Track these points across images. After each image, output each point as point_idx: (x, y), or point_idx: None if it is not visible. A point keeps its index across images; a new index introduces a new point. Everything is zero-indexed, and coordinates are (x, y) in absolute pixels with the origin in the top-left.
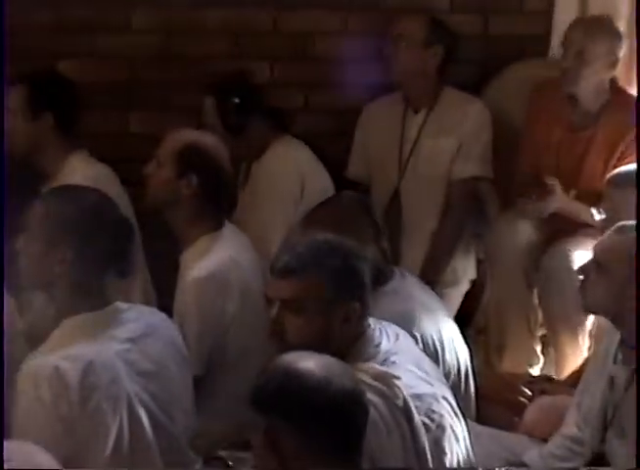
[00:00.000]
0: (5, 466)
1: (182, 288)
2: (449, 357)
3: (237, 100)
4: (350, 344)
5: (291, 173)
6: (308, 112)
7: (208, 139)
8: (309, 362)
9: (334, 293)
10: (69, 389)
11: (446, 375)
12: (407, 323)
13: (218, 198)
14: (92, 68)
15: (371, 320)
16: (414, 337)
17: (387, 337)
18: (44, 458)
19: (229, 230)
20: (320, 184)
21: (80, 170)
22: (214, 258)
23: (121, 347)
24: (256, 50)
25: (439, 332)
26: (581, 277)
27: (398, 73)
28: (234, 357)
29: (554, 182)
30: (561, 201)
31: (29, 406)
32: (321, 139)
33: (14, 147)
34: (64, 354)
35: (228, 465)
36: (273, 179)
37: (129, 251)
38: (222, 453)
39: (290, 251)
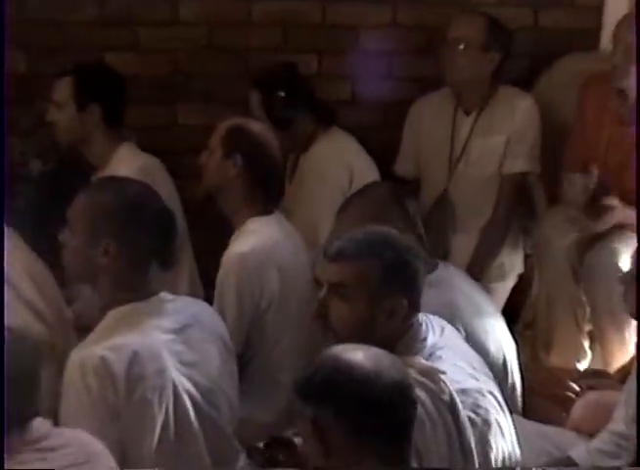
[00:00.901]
0: (62, 452)
1: (223, 262)
2: (494, 350)
3: (283, 94)
4: (396, 339)
5: (338, 165)
6: (355, 104)
7: (255, 124)
8: (358, 354)
9: (381, 284)
10: (116, 379)
11: (491, 368)
12: (451, 315)
13: (265, 182)
14: (137, 60)
15: (419, 314)
16: (457, 329)
17: (432, 331)
18: (100, 447)
19: (277, 216)
20: (368, 176)
21: (127, 162)
22: (257, 237)
23: (166, 337)
24: (304, 42)
25: (484, 324)
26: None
27: (453, 78)
28: (273, 342)
29: (612, 202)
30: (618, 215)
31: (76, 396)
32: (367, 132)
33: (61, 139)
34: (110, 345)
35: (271, 457)
36: (321, 171)
37: (172, 242)
38: (260, 445)
39: (345, 236)
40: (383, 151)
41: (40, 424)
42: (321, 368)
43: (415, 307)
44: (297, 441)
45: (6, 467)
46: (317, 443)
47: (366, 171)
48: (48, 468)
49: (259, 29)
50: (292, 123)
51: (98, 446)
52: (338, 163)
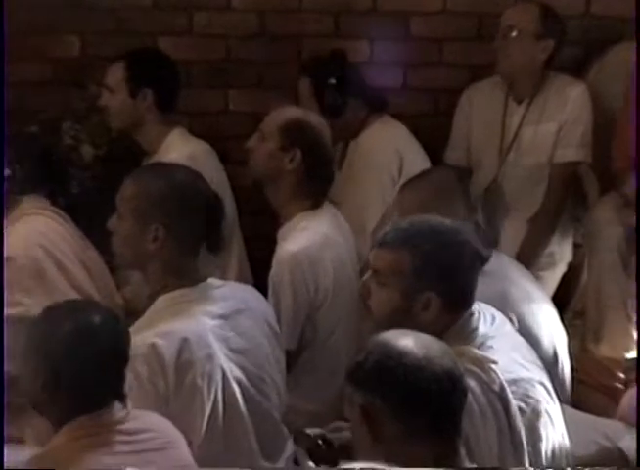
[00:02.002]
0: (141, 436)
1: (277, 261)
2: (545, 340)
3: (333, 81)
4: (442, 328)
5: (388, 152)
6: (406, 92)
7: (313, 116)
8: (409, 340)
9: (415, 276)
10: (165, 366)
11: (542, 358)
12: (503, 304)
13: (319, 175)
14: (190, 46)
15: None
16: (509, 318)
17: (484, 320)
18: (176, 434)
19: (326, 208)
20: (417, 163)
21: (178, 147)
22: (309, 234)
23: (215, 323)
24: (355, 29)
25: (536, 314)
26: None
27: (505, 66)
28: (326, 334)
29: None
30: None
31: (127, 382)
32: (418, 119)
33: (113, 123)
34: (159, 331)
35: (317, 444)
36: (370, 158)
37: (220, 227)
38: (310, 431)
39: (395, 224)
40: (433, 138)
41: (119, 407)
42: (371, 354)
43: (455, 304)
44: (333, 436)
45: (86, 447)
46: (366, 429)
47: (416, 159)
48: (130, 450)
49: (311, 16)
50: (342, 111)
51: (175, 432)
52: (388, 150)
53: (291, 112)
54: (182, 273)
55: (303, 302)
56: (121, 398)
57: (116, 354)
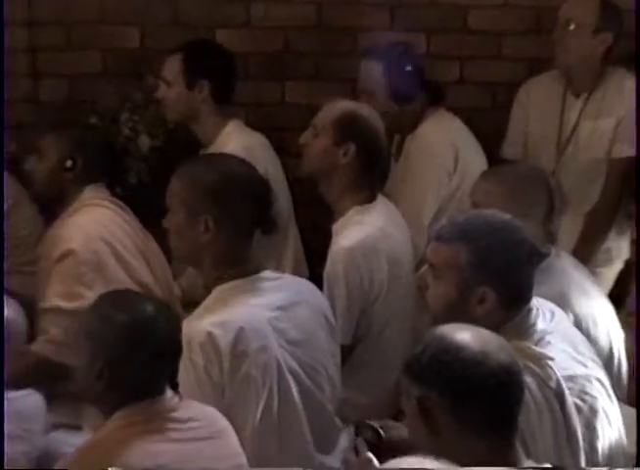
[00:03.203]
0: (190, 425)
1: (332, 256)
2: (602, 337)
3: (410, 68)
4: (499, 324)
5: (444, 146)
6: (463, 85)
7: (366, 109)
8: (467, 334)
9: (470, 271)
10: (221, 355)
11: (599, 355)
12: (561, 301)
13: (373, 169)
14: (248, 38)
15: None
16: (568, 315)
17: (543, 316)
18: (225, 424)
19: (381, 202)
20: (473, 158)
21: (234, 139)
22: (364, 228)
23: (271, 314)
24: (412, 22)
25: (593, 311)
26: None
27: (563, 59)
28: (380, 328)
29: None
30: None
31: (183, 371)
32: (475, 113)
33: (170, 115)
34: (216, 321)
35: (379, 434)
36: (427, 152)
37: (270, 210)
38: (372, 422)
39: (452, 218)
40: (490, 132)
41: (171, 395)
42: (429, 348)
43: (511, 296)
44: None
45: (137, 434)
46: (422, 422)
47: (471, 153)
48: (179, 438)
49: (368, 8)
50: (413, 100)
51: (224, 421)
52: (444, 144)
53: (344, 105)
54: (236, 264)
55: (358, 296)
56: (173, 386)
57: (169, 344)
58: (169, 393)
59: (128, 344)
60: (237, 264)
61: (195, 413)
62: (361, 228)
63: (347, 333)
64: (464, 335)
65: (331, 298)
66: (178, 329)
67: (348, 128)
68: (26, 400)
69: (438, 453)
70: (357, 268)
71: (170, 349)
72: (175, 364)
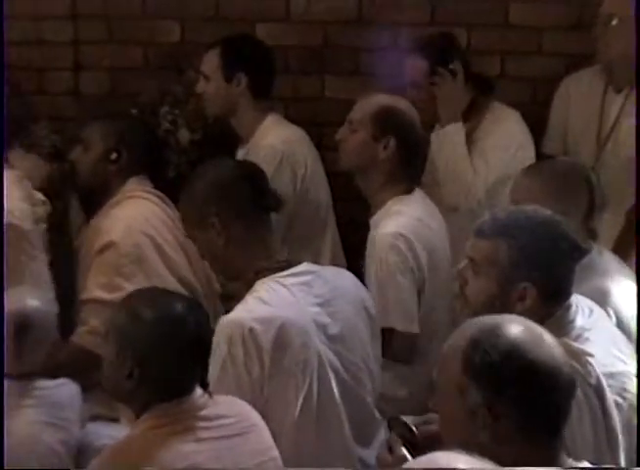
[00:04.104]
0: (219, 422)
1: (371, 247)
2: None
3: (452, 66)
4: (538, 320)
5: (525, 138)
6: (503, 80)
7: (402, 103)
8: (538, 338)
9: (511, 267)
10: (262, 351)
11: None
12: (601, 298)
13: (412, 161)
14: (288, 32)
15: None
16: (607, 312)
17: (582, 313)
18: (257, 419)
19: (419, 195)
20: (530, 152)
21: (273, 133)
22: (402, 218)
23: (313, 309)
24: (452, 16)
25: (633, 308)
26: None
27: (604, 55)
28: (420, 320)
29: None
30: None
31: (223, 361)
32: (515, 108)
33: (209, 109)
34: (258, 317)
35: (411, 430)
36: (486, 146)
37: (265, 190)
38: (405, 418)
39: (492, 214)
40: (530, 128)
41: (200, 393)
42: (501, 351)
43: (552, 292)
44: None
45: (167, 434)
46: (483, 430)
47: (529, 147)
48: (209, 436)
49: (409, 3)
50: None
51: (255, 418)
52: (522, 136)
53: (380, 99)
54: (265, 256)
55: (411, 279)
56: (203, 384)
57: (199, 342)
58: (199, 391)
59: (158, 342)
60: (266, 257)
61: (224, 410)
62: (399, 216)
63: (411, 319)
64: (537, 340)
65: (373, 286)
66: (208, 327)
67: (387, 122)
68: (61, 390)
69: (488, 459)
70: (403, 253)
71: (200, 347)
72: (205, 362)
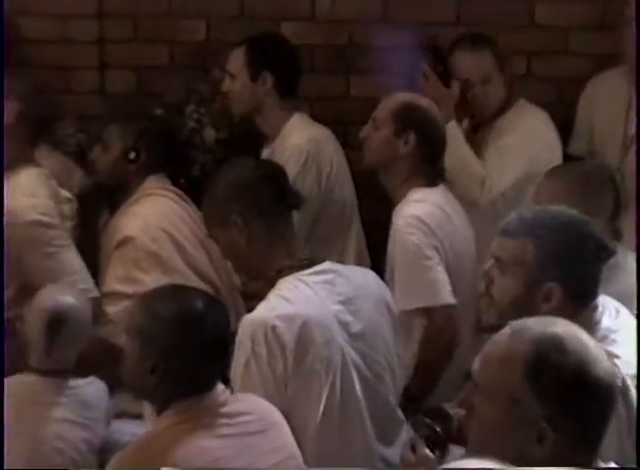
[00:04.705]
0: (239, 419)
1: (392, 238)
2: None
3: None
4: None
5: (553, 137)
6: (529, 80)
7: (424, 100)
8: (594, 352)
9: (537, 267)
10: (285, 349)
11: None
12: (628, 300)
13: (433, 157)
14: (313, 31)
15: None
16: (634, 314)
17: (608, 314)
18: (278, 417)
19: (441, 189)
20: (558, 153)
21: (299, 132)
22: (422, 204)
23: (336, 307)
24: (478, 17)
25: None
26: None
27: (631, 55)
28: None
29: None
30: None
31: (246, 360)
32: (542, 107)
33: (235, 108)
34: (281, 315)
35: (435, 430)
36: (514, 143)
37: (287, 188)
38: (426, 418)
39: (518, 213)
40: (555, 128)
41: (222, 389)
42: (561, 361)
43: (578, 293)
44: (454, 413)
45: (188, 431)
46: (534, 441)
47: (556, 147)
48: (230, 433)
49: (434, 2)
50: None
51: (276, 415)
52: (526, 135)
53: (402, 97)
54: (289, 256)
55: (436, 256)
56: (224, 381)
57: (220, 338)
58: (220, 387)
59: (180, 338)
60: (288, 254)
61: (245, 407)
62: (419, 203)
63: (448, 290)
64: (595, 355)
65: (410, 270)
66: (228, 323)
67: (408, 118)
68: (89, 389)
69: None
70: (424, 233)
71: (221, 343)
72: (226, 358)
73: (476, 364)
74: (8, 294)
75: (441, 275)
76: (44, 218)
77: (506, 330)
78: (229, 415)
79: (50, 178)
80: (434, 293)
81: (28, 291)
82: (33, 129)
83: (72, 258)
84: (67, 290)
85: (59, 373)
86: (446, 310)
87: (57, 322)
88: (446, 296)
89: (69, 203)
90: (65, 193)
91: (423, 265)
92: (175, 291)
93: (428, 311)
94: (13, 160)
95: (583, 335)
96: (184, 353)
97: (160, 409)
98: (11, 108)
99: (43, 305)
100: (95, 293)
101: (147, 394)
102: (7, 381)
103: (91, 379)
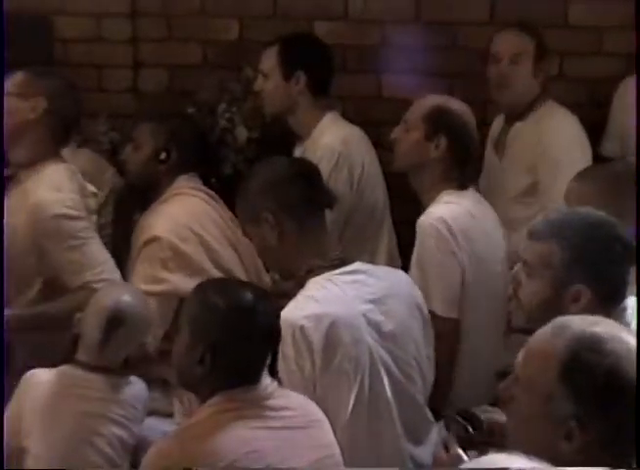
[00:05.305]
0: (282, 413)
1: (419, 229)
2: None
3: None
4: None
5: (568, 139)
6: (562, 80)
7: (456, 103)
8: (614, 340)
9: (564, 269)
10: (313, 349)
11: None
12: None
13: (464, 162)
14: (346, 30)
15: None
16: None
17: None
18: (320, 415)
19: (471, 193)
20: (588, 153)
21: (331, 131)
22: (448, 206)
23: (365, 307)
24: (511, 16)
25: None
26: None
27: None
28: (466, 314)
29: None
30: None
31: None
32: (574, 109)
33: (267, 107)
34: (308, 314)
35: (467, 429)
36: (567, 142)
37: (320, 185)
38: (458, 418)
39: (545, 215)
40: (588, 129)
41: (268, 382)
42: (597, 361)
43: (606, 295)
44: (485, 416)
45: (232, 420)
46: (564, 440)
47: (586, 149)
48: (273, 426)
49: (468, 3)
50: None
51: (319, 412)
52: (566, 136)
53: (433, 100)
54: (320, 255)
55: (452, 262)
56: (272, 373)
57: (268, 331)
58: (267, 380)
59: (229, 329)
60: (319, 253)
61: (290, 402)
62: (446, 205)
63: (451, 304)
64: (631, 356)
65: (422, 271)
66: (277, 317)
67: (439, 121)
68: (130, 388)
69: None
70: (444, 235)
71: (269, 335)
72: (274, 351)
73: (519, 357)
74: (33, 289)
75: (451, 285)
76: (70, 212)
77: (549, 326)
78: (273, 408)
79: (76, 173)
80: (437, 301)
81: (55, 285)
82: (60, 127)
83: (98, 250)
84: (129, 290)
85: (105, 370)
86: (446, 322)
87: (116, 320)
88: (447, 309)
89: (95, 197)
90: (90, 187)
91: (435, 270)
92: (227, 283)
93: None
94: (38, 155)
95: (627, 337)
96: (233, 345)
97: (205, 400)
98: (36, 105)
99: (104, 302)
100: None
101: (194, 384)
102: (52, 370)
103: (133, 379)
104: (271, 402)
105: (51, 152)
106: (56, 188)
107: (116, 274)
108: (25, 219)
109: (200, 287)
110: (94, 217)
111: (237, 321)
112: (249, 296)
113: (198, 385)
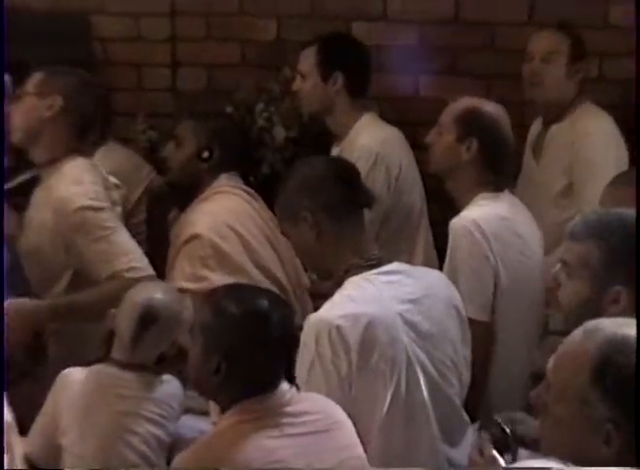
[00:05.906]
0: (303, 419)
1: (452, 231)
2: None
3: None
4: None
5: (620, 140)
6: (601, 81)
7: (490, 105)
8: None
9: (603, 269)
10: (350, 349)
11: None
12: None
13: (498, 164)
14: (384, 31)
15: None
16: None
17: None
18: (342, 417)
19: (507, 196)
20: (617, 155)
21: (369, 132)
22: (481, 210)
23: (403, 307)
24: (548, 16)
25: None
26: None
27: None
28: (500, 319)
29: None
30: None
31: (310, 360)
32: (610, 111)
33: (305, 107)
34: (345, 314)
35: (504, 430)
36: (585, 144)
37: (358, 185)
38: (498, 418)
39: (584, 216)
40: (626, 131)
41: (287, 388)
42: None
43: None
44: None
45: (252, 430)
46: (601, 443)
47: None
48: (294, 433)
49: (506, 4)
50: None
51: (340, 415)
52: (601, 137)
53: (466, 102)
54: (358, 255)
55: (485, 266)
56: (289, 380)
57: (285, 337)
58: (285, 386)
59: (245, 337)
60: (357, 252)
61: (309, 407)
62: (480, 209)
63: (482, 307)
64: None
65: (454, 274)
66: (293, 322)
67: (470, 124)
68: (165, 387)
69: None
70: (477, 238)
71: (286, 342)
72: (291, 358)
73: (550, 363)
74: (63, 282)
75: (483, 288)
76: (94, 203)
77: (580, 329)
78: (293, 414)
79: (96, 167)
80: (468, 304)
81: (84, 277)
82: (77, 124)
83: (125, 239)
84: (162, 287)
85: (139, 368)
86: (478, 325)
87: (148, 318)
88: (479, 312)
89: (118, 189)
90: (113, 179)
91: (467, 273)
92: (240, 289)
93: None
94: (57, 153)
95: None
96: (248, 353)
97: (224, 408)
98: (53, 103)
99: (138, 299)
100: (149, 271)
101: (212, 392)
102: (87, 369)
103: (168, 377)
104: (291, 409)
105: (70, 149)
106: (77, 182)
107: (145, 262)
108: (51, 215)
109: (212, 293)
110: (118, 209)
111: (252, 328)
112: (263, 302)
113: (216, 394)
